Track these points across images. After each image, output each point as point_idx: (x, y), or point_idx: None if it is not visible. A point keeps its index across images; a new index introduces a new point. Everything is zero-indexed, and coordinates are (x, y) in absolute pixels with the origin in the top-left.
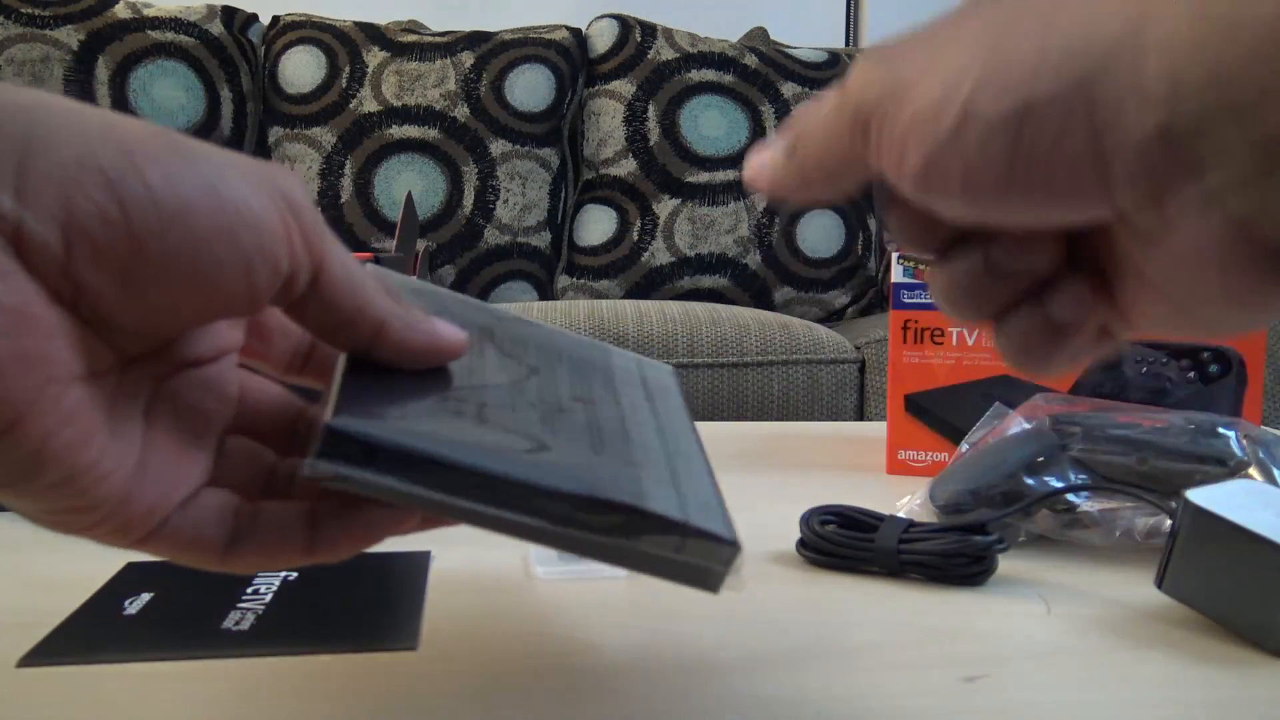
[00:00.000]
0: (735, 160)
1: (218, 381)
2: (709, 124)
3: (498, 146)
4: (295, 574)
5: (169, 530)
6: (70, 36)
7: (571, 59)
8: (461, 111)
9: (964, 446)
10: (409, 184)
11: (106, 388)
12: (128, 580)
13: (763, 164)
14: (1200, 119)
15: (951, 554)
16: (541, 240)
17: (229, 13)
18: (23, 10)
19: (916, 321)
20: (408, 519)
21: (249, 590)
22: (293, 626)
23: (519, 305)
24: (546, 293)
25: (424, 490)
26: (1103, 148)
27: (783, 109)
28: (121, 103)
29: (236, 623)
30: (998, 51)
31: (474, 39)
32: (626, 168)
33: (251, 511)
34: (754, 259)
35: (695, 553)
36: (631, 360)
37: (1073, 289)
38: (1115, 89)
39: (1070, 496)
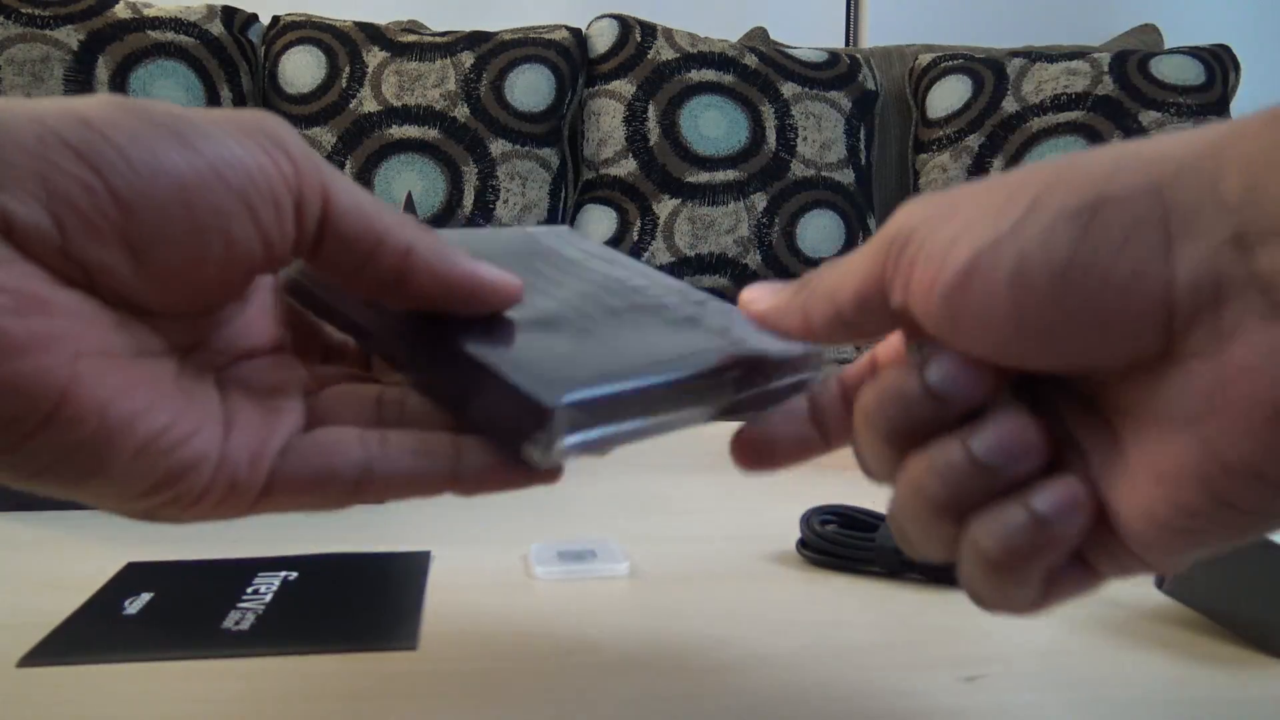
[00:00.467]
0: (735, 160)
1: (280, 369)
2: (709, 124)
3: (498, 146)
4: (295, 574)
5: (286, 476)
6: (70, 36)
7: (571, 59)
8: (461, 111)
9: None
10: (409, 184)
11: (168, 367)
12: (128, 580)
13: (765, 290)
14: (1274, 229)
15: None
16: None
17: (229, 13)
18: (23, 10)
19: None
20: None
21: (249, 590)
22: (293, 626)
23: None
24: None
25: (639, 422)
26: (1171, 249)
27: (783, 109)
28: None
29: (236, 623)
30: (1068, 165)
31: (474, 39)
32: (626, 168)
33: (380, 438)
34: (754, 259)
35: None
36: (550, 235)
37: (1063, 481)
38: (1191, 195)
39: None
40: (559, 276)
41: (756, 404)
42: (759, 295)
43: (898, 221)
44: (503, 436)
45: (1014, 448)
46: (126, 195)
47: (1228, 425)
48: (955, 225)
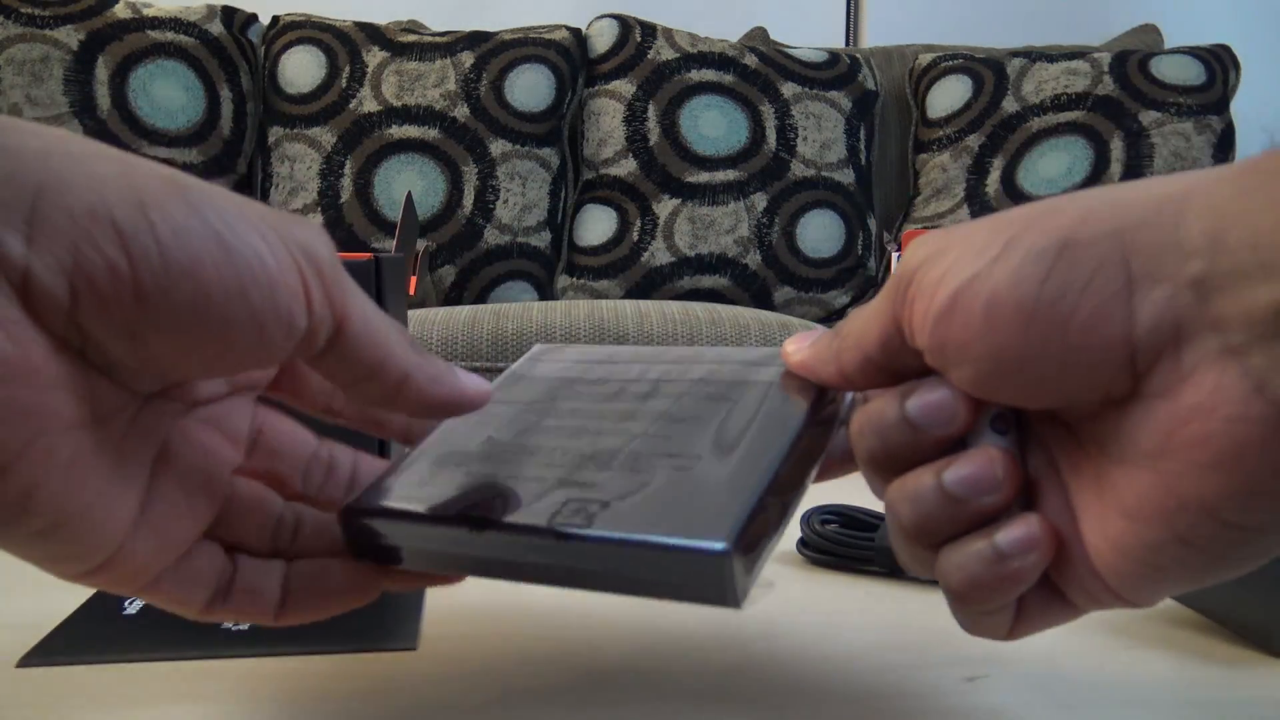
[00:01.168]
0: (735, 160)
1: (231, 419)
2: (709, 124)
3: (498, 146)
4: None
5: (161, 587)
6: (70, 36)
7: (571, 59)
8: (461, 111)
9: None
10: (409, 184)
11: (113, 433)
12: None
13: (804, 341)
14: (1234, 275)
15: None
16: (541, 240)
17: (229, 13)
18: (23, 10)
19: None
20: (372, 589)
21: None
22: (293, 626)
23: (519, 305)
24: (546, 293)
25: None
26: (1133, 292)
27: (783, 109)
28: (121, 102)
29: (236, 623)
30: (1047, 208)
31: (474, 39)
32: (626, 168)
33: (232, 571)
34: (754, 259)
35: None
36: (542, 365)
37: (1024, 519)
38: (1153, 240)
39: None
40: (599, 406)
41: (828, 435)
42: (798, 346)
43: (904, 263)
44: (679, 595)
45: (982, 481)
46: (149, 290)
47: (1182, 463)
48: (946, 262)
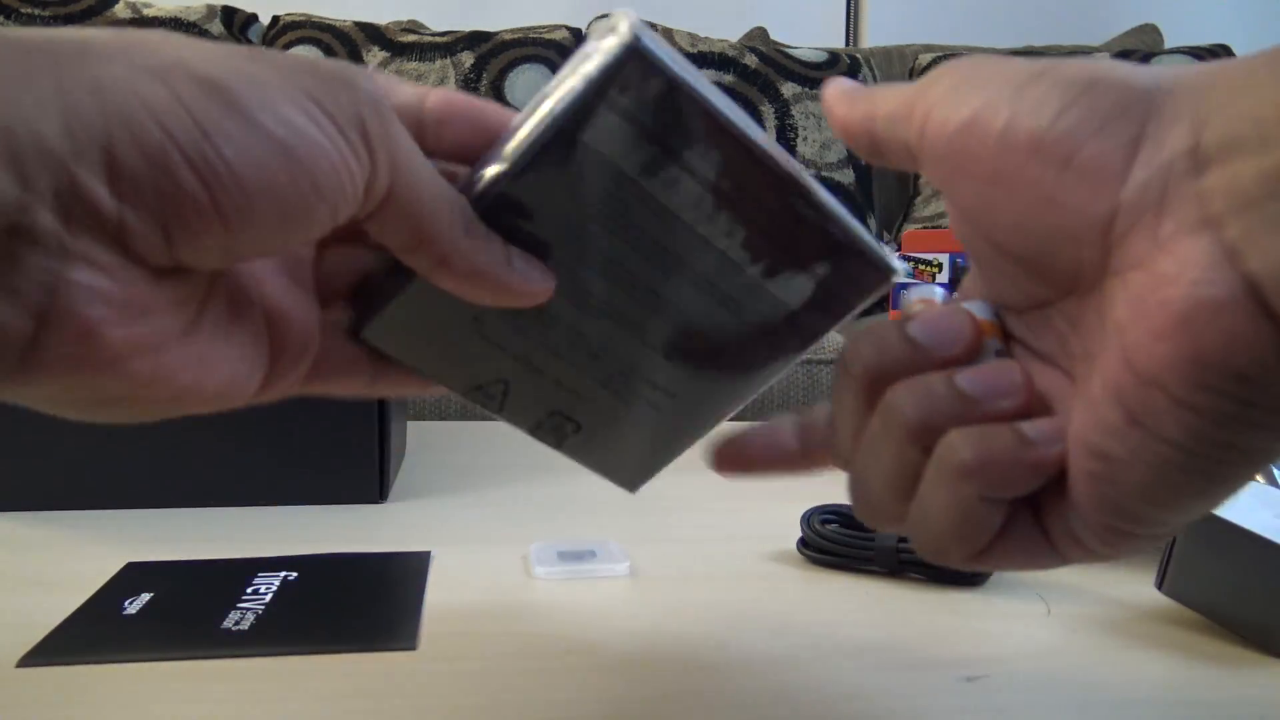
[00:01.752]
0: None
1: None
2: None
3: None
4: (295, 574)
5: (323, 371)
6: None
7: None
8: None
9: None
10: None
11: (218, 310)
12: (128, 580)
13: (846, 87)
14: (1229, 144)
15: None
16: None
17: (229, 13)
18: (23, 10)
19: None
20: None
21: (249, 590)
22: (292, 626)
23: None
24: None
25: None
26: (1139, 148)
27: (783, 109)
28: None
29: (236, 623)
30: (1092, 60)
31: (474, 39)
32: None
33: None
34: None
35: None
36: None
37: (1053, 419)
38: (1176, 106)
39: None
40: (638, 268)
41: (842, 305)
42: (842, 82)
43: (939, 72)
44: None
45: (1001, 384)
46: (233, 215)
47: (1141, 331)
48: (979, 81)
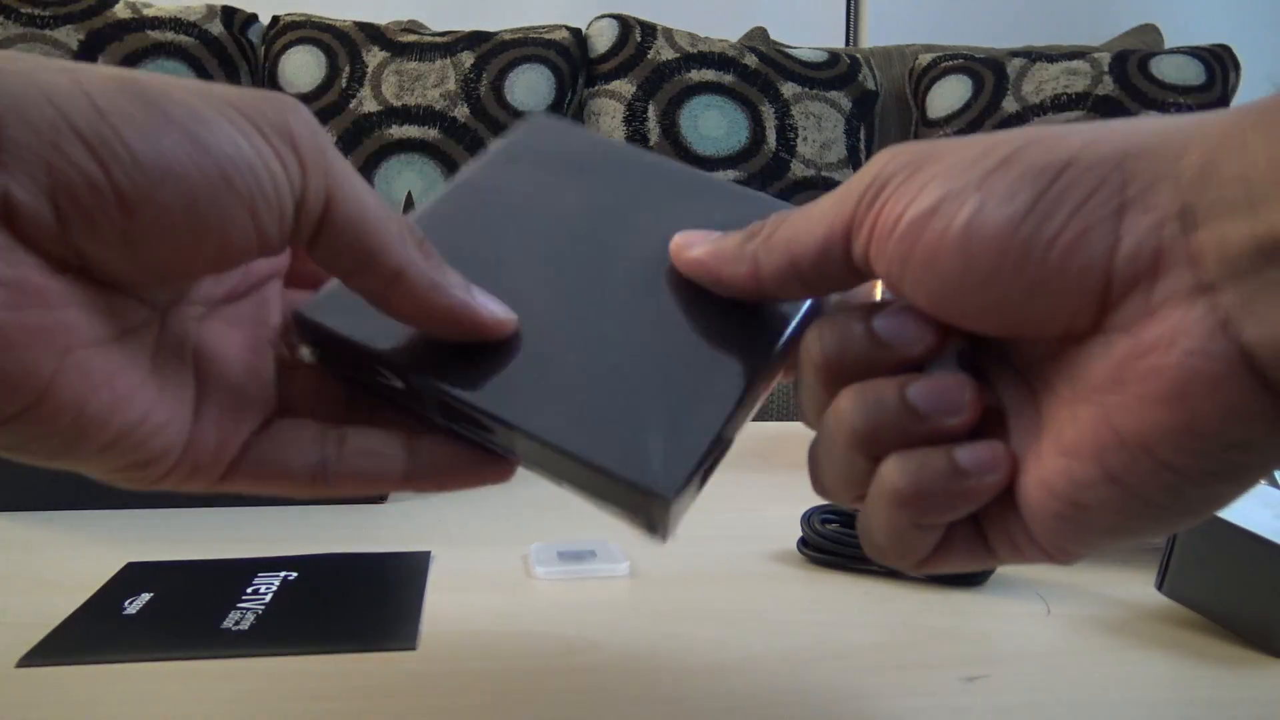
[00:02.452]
0: (735, 160)
1: (260, 310)
2: (709, 124)
3: None
4: (295, 574)
5: (249, 465)
6: (70, 36)
7: (571, 59)
8: (461, 111)
9: None
10: (409, 184)
11: (144, 344)
12: (128, 580)
13: (701, 236)
14: (1219, 207)
15: None
16: None
17: (229, 13)
18: (23, 10)
19: None
20: (498, 462)
21: (249, 590)
22: (292, 626)
23: None
24: None
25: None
26: (1123, 216)
27: (783, 109)
28: None
29: (236, 623)
30: (1051, 130)
31: (474, 39)
32: None
33: (338, 436)
34: None
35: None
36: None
37: (990, 443)
38: (1152, 168)
39: None
40: (580, 248)
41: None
42: (694, 240)
43: (874, 168)
44: (605, 504)
45: (948, 400)
46: (131, 195)
47: (1129, 396)
48: (931, 170)
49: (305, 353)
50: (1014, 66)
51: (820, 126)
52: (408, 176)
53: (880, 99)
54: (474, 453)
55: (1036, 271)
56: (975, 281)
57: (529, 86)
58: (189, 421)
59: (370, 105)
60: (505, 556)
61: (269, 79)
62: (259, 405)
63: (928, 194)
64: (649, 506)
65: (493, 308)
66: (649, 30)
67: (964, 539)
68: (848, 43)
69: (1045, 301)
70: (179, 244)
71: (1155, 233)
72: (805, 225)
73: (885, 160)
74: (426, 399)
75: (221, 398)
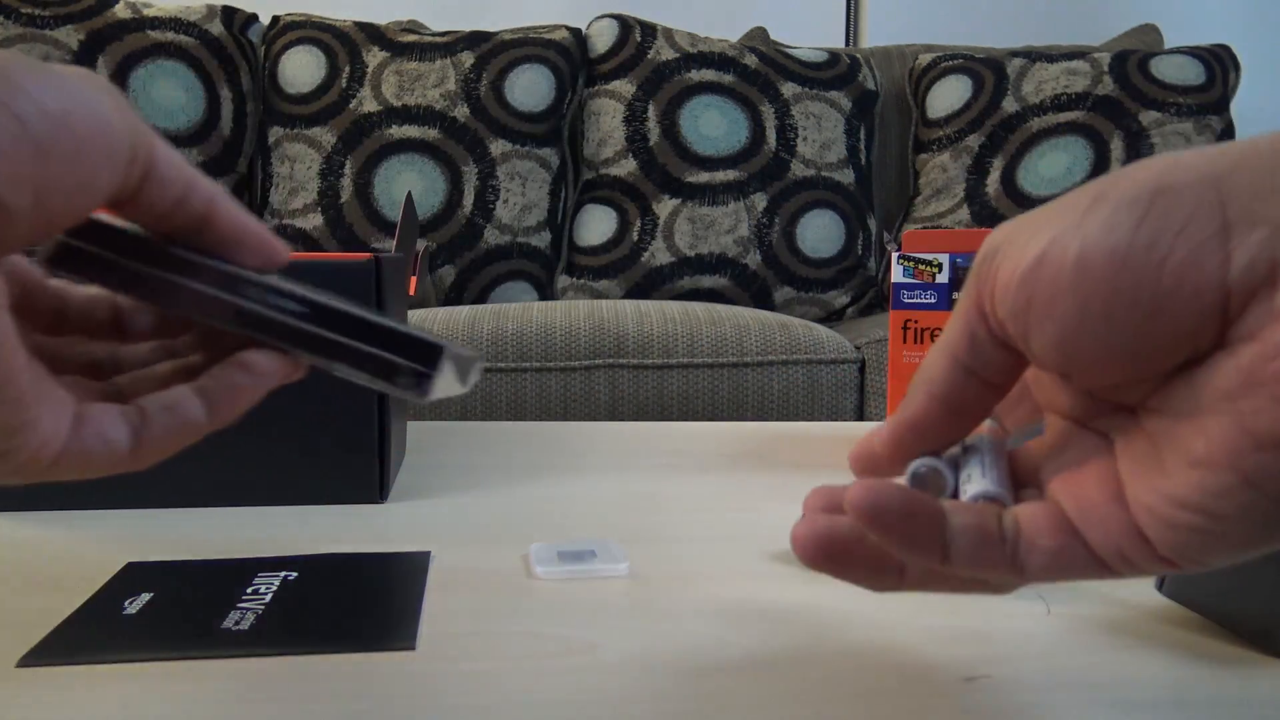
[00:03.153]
0: (735, 160)
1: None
2: (709, 124)
3: (497, 146)
4: (295, 574)
5: (72, 453)
6: (70, 36)
7: (571, 59)
8: (461, 111)
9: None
10: (409, 184)
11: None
12: (128, 580)
13: (867, 437)
14: None
15: None
16: (541, 240)
17: (229, 12)
18: (23, 10)
19: (916, 321)
20: (284, 363)
21: (249, 590)
22: (292, 626)
23: (519, 306)
24: (546, 293)
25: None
26: (1229, 235)
27: (783, 109)
28: None
29: (236, 623)
30: (1133, 166)
31: (474, 39)
32: (626, 168)
33: (136, 407)
34: (754, 259)
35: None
36: None
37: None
38: (1250, 184)
39: None
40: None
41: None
42: (862, 450)
43: (986, 244)
44: (379, 376)
45: (981, 558)
46: (45, 148)
47: (1262, 399)
48: (1035, 226)
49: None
50: (1014, 66)
51: (820, 126)
52: (408, 176)
53: (880, 99)
54: (254, 360)
55: (1152, 296)
56: (1096, 316)
57: (529, 86)
58: (59, 413)
59: (370, 105)
60: (505, 556)
61: (269, 79)
62: (67, 394)
63: (1035, 244)
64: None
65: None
66: (649, 30)
67: (1081, 562)
68: (848, 43)
69: (1166, 325)
70: (69, 193)
71: (1267, 245)
72: (937, 345)
73: (992, 236)
74: (218, 292)
75: (52, 389)
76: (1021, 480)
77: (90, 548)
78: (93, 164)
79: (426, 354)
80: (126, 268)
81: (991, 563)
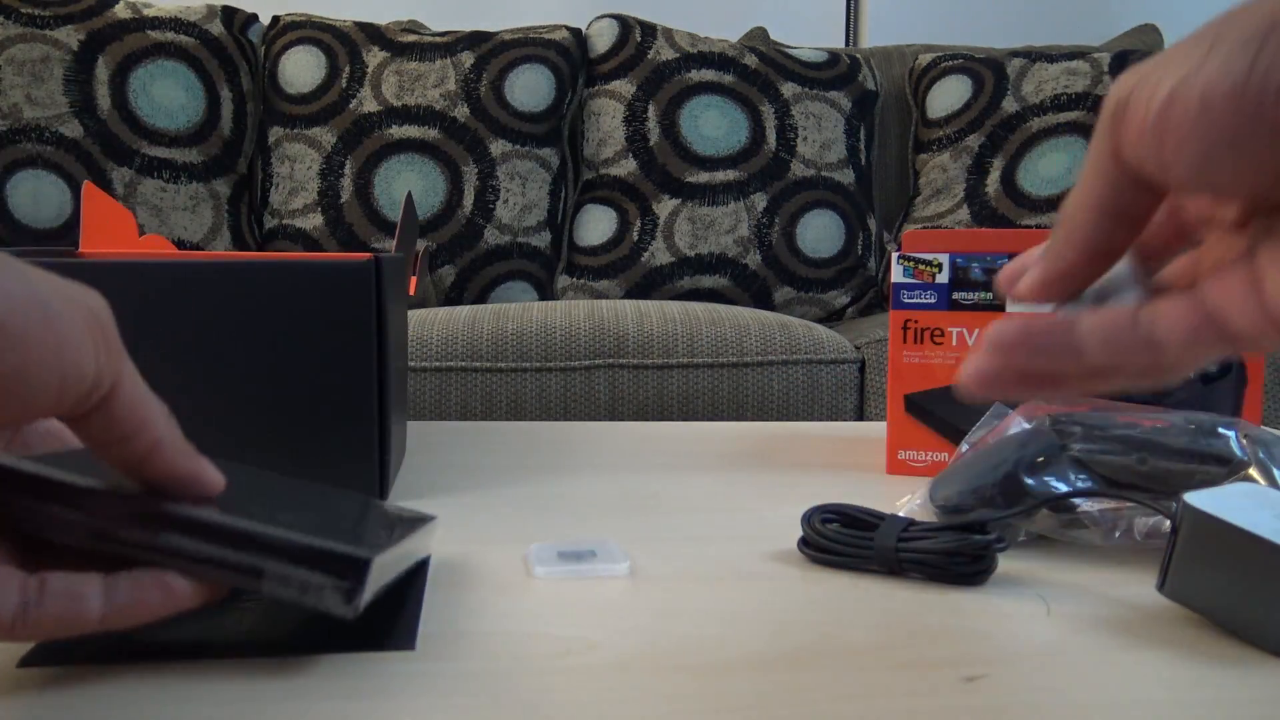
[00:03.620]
0: (735, 160)
1: None
2: (709, 124)
3: (498, 146)
4: None
5: None
6: (70, 36)
7: (571, 59)
8: (461, 111)
9: (964, 447)
10: (409, 184)
11: None
12: None
13: (1019, 266)
14: None
15: (950, 552)
16: (541, 240)
17: (229, 12)
18: (23, 10)
19: (916, 321)
20: (201, 590)
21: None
22: (292, 627)
23: (519, 305)
24: (546, 293)
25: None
26: None
27: (783, 109)
28: (121, 102)
29: (236, 623)
30: (1243, 6)
31: (474, 39)
32: (626, 168)
33: (39, 580)
34: (754, 259)
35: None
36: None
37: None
38: None
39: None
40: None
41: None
42: (1016, 281)
43: (1114, 97)
44: (306, 594)
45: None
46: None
47: None
48: (1158, 73)
49: None
50: (1014, 66)
51: (820, 126)
52: (407, 176)
53: (880, 99)
54: (173, 584)
55: (1273, 123)
56: (1225, 145)
57: (529, 86)
58: None
59: (370, 105)
60: (505, 556)
61: (269, 79)
62: None
63: (1162, 88)
64: (351, 570)
65: (213, 470)
66: (649, 30)
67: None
68: (848, 43)
69: None
70: (10, 401)
71: None
72: (1082, 183)
73: (1118, 85)
74: (138, 526)
75: None
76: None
77: None
78: (40, 384)
79: (352, 568)
80: (20, 504)
81: (1124, 347)
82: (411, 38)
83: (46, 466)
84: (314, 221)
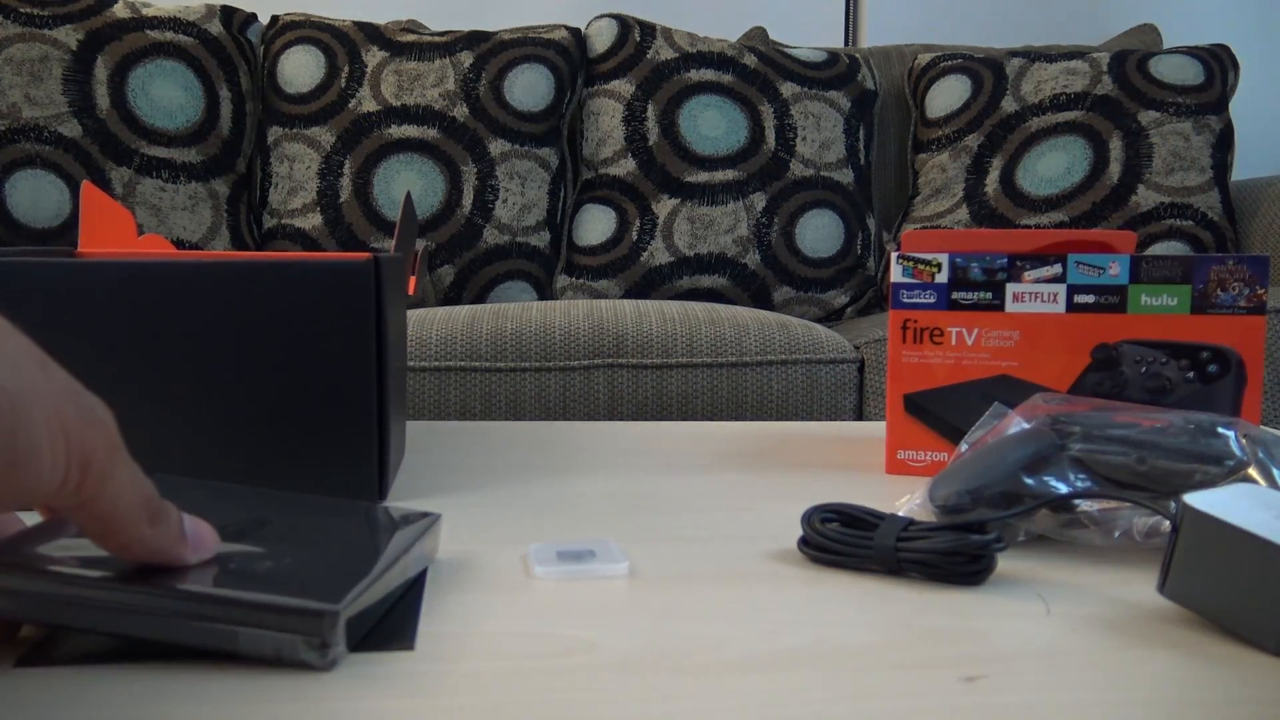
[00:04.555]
0: (734, 160)
1: None
2: (708, 124)
3: (497, 146)
4: None
5: None
6: (69, 36)
7: (571, 59)
8: (460, 111)
9: (963, 446)
10: (408, 184)
11: None
12: None
13: None
14: None
15: (950, 552)
16: (541, 240)
17: (228, 12)
18: (22, 10)
19: (916, 321)
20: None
21: None
22: None
23: (518, 305)
24: (545, 292)
25: None
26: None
27: (782, 109)
28: (120, 102)
29: None
30: None
31: (473, 39)
32: (626, 167)
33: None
34: (753, 259)
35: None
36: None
37: None
38: None
39: None
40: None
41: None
42: None
43: None
44: (281, 652)
45: None
46: None
47: None
48: None
49: None
50: (1013, 66)
51: (819, 126)
52: (407, 176)
53: (879, 99)
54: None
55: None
56: None
57: (528, 86)
58: None
59: (369, 105)
60: (505, 556)
61: (268, 78)
62: None
63: None
64: (319, 624)
65: (201, 540)
66: (648, 30)
67: None
68: (847, 43)
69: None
70: None
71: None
72: None
73: None
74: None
75: None
76: None
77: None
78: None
79: (323, 624)
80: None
81: None
82: (410, 37)
83: (31, 542)
84: (313, 221)
